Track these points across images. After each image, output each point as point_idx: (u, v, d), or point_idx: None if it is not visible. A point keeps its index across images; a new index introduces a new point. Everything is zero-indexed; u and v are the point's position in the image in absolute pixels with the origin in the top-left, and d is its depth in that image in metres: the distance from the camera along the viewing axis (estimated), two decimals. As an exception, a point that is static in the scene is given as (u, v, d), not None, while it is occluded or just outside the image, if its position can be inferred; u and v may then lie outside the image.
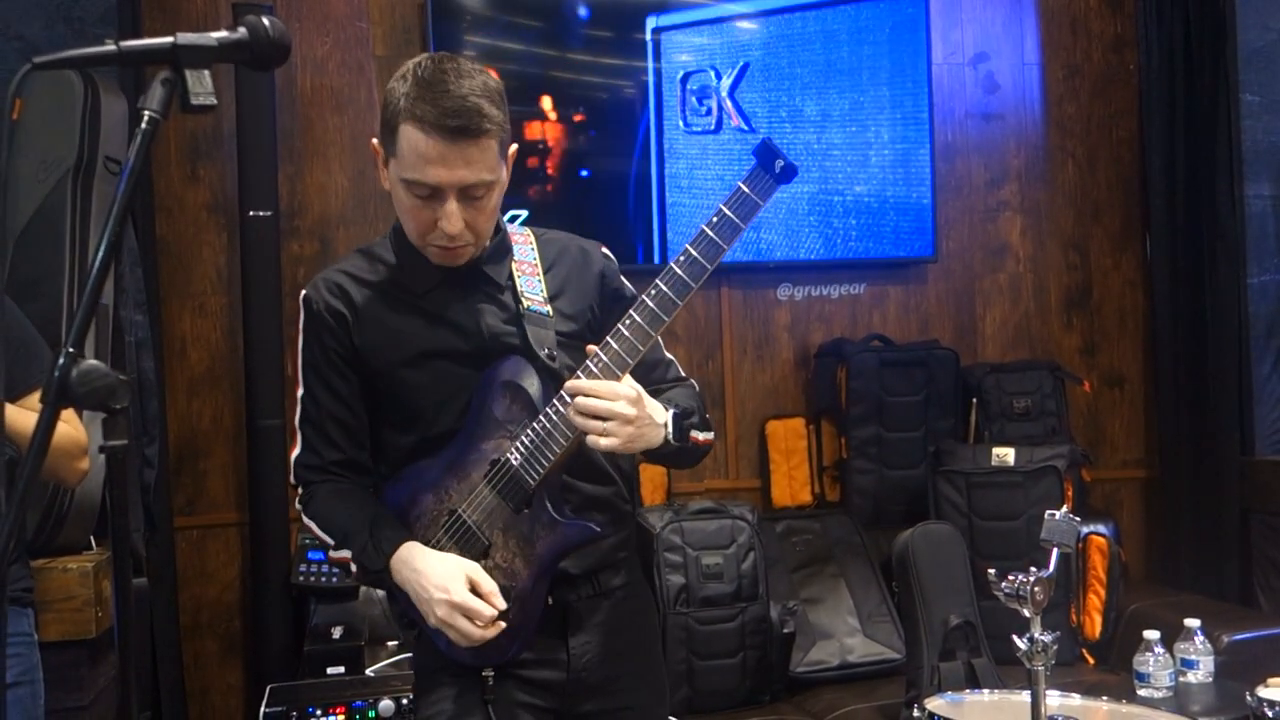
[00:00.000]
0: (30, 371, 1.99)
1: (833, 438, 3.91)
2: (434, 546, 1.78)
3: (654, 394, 1.80)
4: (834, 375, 3.85)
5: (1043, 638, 1.76)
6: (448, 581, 1.70)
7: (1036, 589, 1.75)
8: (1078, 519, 1.83)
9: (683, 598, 3.21)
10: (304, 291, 1.85)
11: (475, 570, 1.73)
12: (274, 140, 3.43)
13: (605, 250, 1.95)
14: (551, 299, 1.85)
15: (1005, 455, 3.59)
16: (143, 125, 1.21)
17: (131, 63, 1.27)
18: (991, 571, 1.84)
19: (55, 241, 2.71)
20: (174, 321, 3.58)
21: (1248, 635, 3.21)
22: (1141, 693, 2.75)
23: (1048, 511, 1.84)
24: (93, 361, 1.16)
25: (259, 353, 3.39)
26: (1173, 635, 2.81)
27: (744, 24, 3.86)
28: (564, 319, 1.85)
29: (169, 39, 1.24)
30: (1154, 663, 2.75)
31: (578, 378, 1.71)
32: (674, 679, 3.16)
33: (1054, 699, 2.01)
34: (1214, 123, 3.84)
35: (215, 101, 1.24)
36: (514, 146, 1.81)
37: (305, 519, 1.86)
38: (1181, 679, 2.78)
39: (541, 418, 1.73)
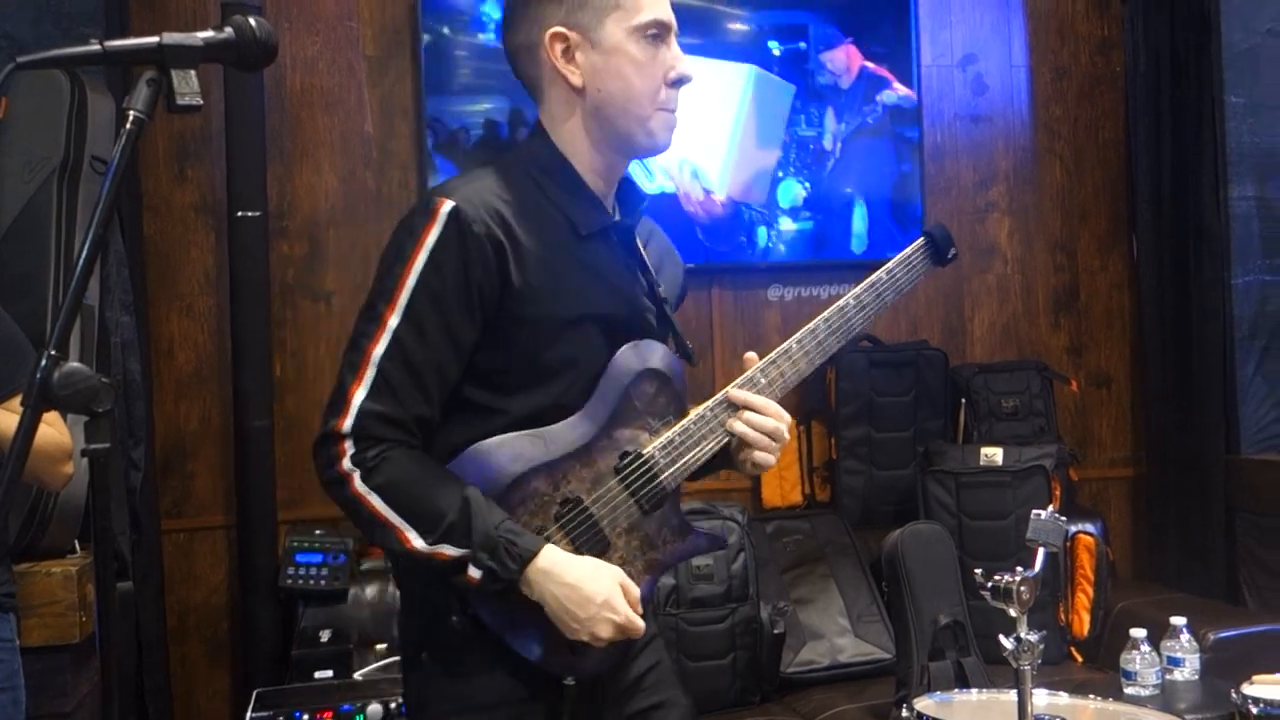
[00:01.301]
0: (15, 375, 1.98)
1: (823, 438, 3.92)
2: (541, 536, 1.53)
3: None
4: (823, 376, 3.86)
5: (1029, 637, 1.76)
6: (611, 598, 1.50)
7: (1022, 588, 1.75)
8: (1063, 518, 1.84)
9: (673, 599, 3.21)
10: (451, 203, 1.50)
11: (624, 578, 1.53)
12: (263, 140, 3.43)
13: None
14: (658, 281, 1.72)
15: (994, 455, 3.60)
16: (128, 125, 1.21)
17: (117, 62, 1.26)
18: (978, 571, 1.84)
19: (41, 241, 2.70)
20: (161, 322, 3.57)
21: (1233, 633, 3.23)
22: (1128, 691, 2.76)
23: (1034, 511, 1.85)
24: (75, 364, 1.15)
25: (247, 354, 3.38)
26: (1160, 633, 2.82)
27: (735, 25, 3.86)
28: (673, 298, 1.76)
29: (155, 39, 1.24)
30: (1140, 661, 2.76)
31: (742, 389, 1.65)
32: (663, 680, 3.15)
33: (1041, 698, 2.02)
34: (1199, 125, 3.86)
35: (201, 102, 1.24)
36: None
37: (359, 486, 1.48)
38: (1168, 677, 2.79)
39: (694, 418, 1.62)
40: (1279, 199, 3.74)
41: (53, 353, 1.14)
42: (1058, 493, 3.54)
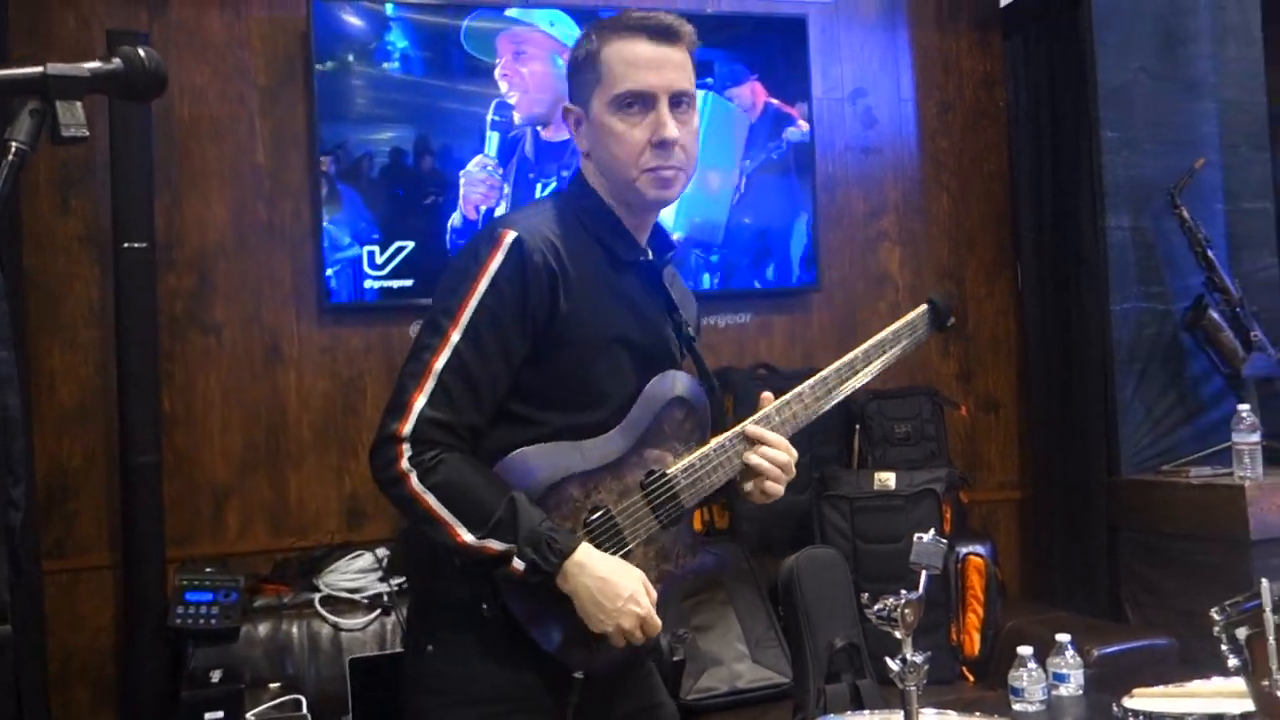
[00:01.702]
0: None
1: (720, 465, 3.94)
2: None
3: None
4: (720, 404, 3.89)
5: (914, 658, 1.80)
6: (636, 594, 1.65)
7: (907, 611, 1.80)
8: (944, 541, 1.89)
9: (572, 628, 3.20)
10: (513, 233, 1.66)
11: (646, 580, 1.68)
12: (150, 170, 3.35)
13: None
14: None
15: (887, 479, 3.68)
16: (9, 157, 1.18)
17: (-2, 93, 1.23)
18: (865, 596, 1.88)
19: (-85, 274, 2.60)
20: (43, 357, 3.45)
21: (1116, 649, 3.34)
22: (1016, 707, 2.82)
23: (916, 535, 1.90)
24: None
25: (134, 388, 3.30)
26: (1046, 650, 2.90)
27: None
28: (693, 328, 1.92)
29: (39, 68, 1.21)
30: (1027, 678, 2.83)
31: (759, 425, 1.79)
32: (564, 711, 3.14)
33: (930, 717, 2.06)
34: (1077, 158, 4.02)
35: (87, 133, 1.22)
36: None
37: (415, 485, 1.61)
38: (1054, 692, 2.86)
39: (714, 447, 1.78)
40: (1153, 229, 3.89)
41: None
42: (948, 515, 3.63)
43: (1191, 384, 3.91)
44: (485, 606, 1.65)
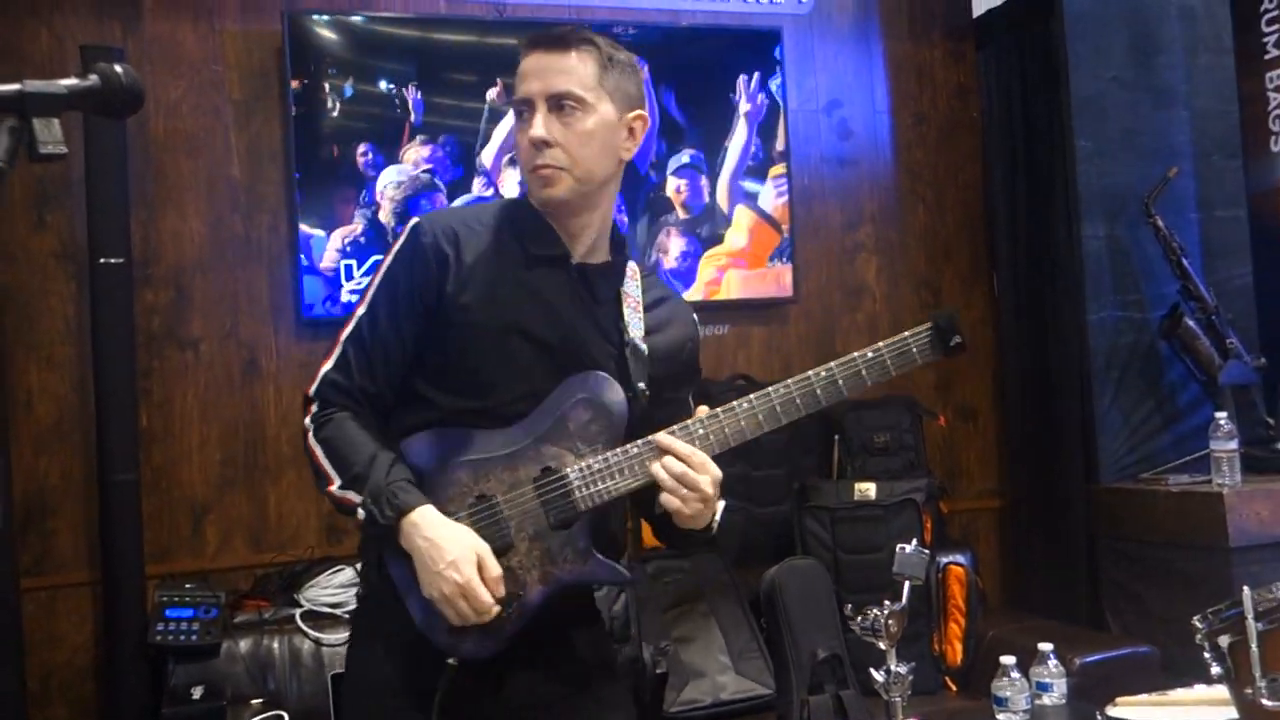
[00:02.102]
0: None
1: (700, 477, 3.94)
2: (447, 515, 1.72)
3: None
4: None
5: (898, 669, 1.81)
6: (460, 560, 1.65)
7: (890, 622, 1.80)
8: (926, 551, 1.90)
9: (555, 642, 3.20)
10: (417, 219, 1.79)
11: (486, 552, 1.68)
12: (125, 185, 3.33)
13: (694, 315, 2.00)
14: (648, 335, 1.86)
15: (867, 490, 3.69)
16: (-13, 175, 1.18)
17: (-26, 111, 1.22)
18: (848, 607, 1.89)
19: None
20: (19, 374, 3.42)
21: (1098, 657, 3.34)
22: (1000, 717, 2.82)
23: (898, 545, 1.91)
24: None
25: (111, 405, 3.27)
26: (1029, 659, 2.91)
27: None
28: (655, 363, 1.86)
29: (16, 86, 1.20)
30: (1010, 687, 2.83)
31: (674, 435, 1.73)
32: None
33: (917, 727, 2.07)
34: (1051, 167, 4.05)
35: (65, 150, 1.21)
36: (638, 111, 1.84)
37: (311, 439, 1.75)
38: (1037, 702, 2.86)
39: (620, 452, 1.74)
40: (1127, 237, 3.92)
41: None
42: (929, 525, 3.64)
43: (1169, 392, 3.93)
44: (373, 574, 1.78)
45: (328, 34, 3.62)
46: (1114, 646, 3.46)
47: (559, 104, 1.75)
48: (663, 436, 1.73)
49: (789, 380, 1.76)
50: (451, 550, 1.65)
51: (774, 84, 4.09)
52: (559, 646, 1.82)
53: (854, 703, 3.08)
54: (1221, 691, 1.74)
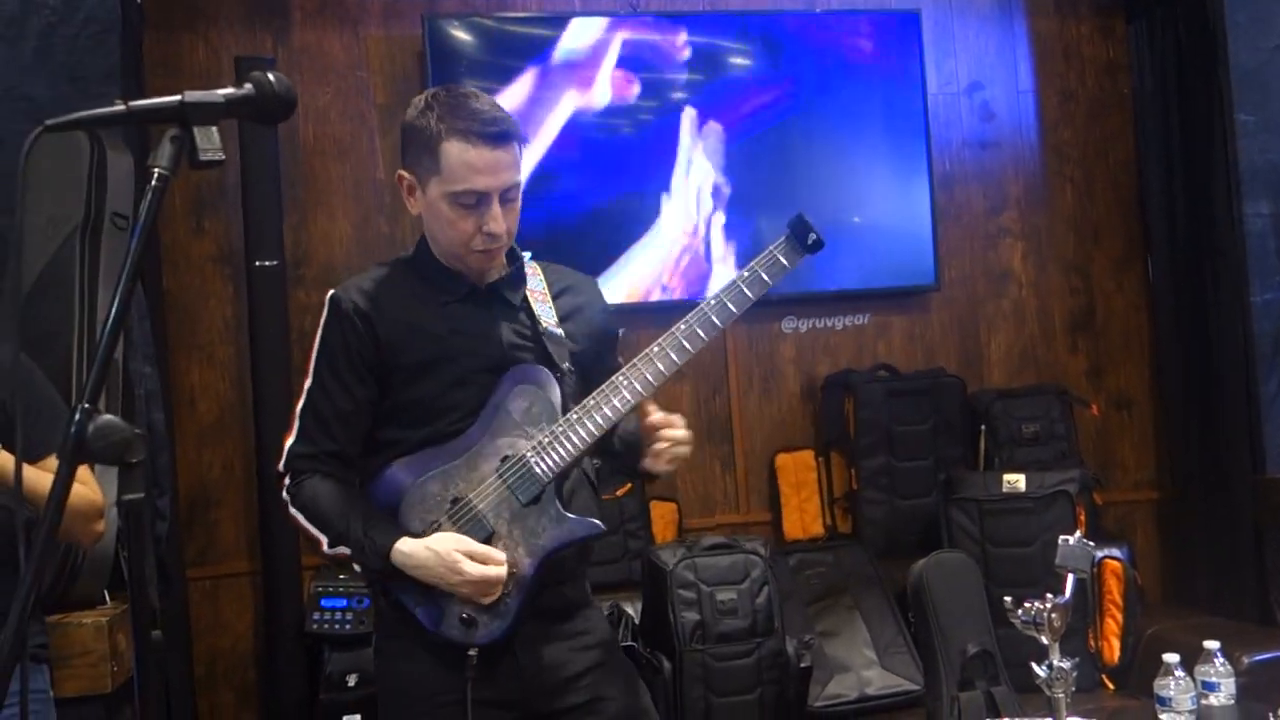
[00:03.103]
0: (50, 433, 1.99)
1: (842, 469, 3.91)
2: (434, 529, 1.88)
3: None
4: (841, 406, 3.86)
5: (1062, 664, 1.75)
6: (450, 548, 1.84)
7: (1054, 616, 1.75)
8: (1091, 543, 1.83)
9: (698, 634, 3.20)
10: (332, 292, 1.97)
11: (464, 541, 1.86)
12: (278, 190, 3.46)
13: (600, 287, 2.18)
14: (562, 321, 2.03)
15: (1016, 481, 3.58)
16: (153, 182, 1.23)
17: (141, 122, 1.29)
18: (1008, 600, 1.83)
19: (65, 298, 2.73)
20: (182, 373, 3.59)
21: (1269, 655, 3.18)
22: (1163, 717, 2.71)
23: (1061, 537, 1.84)
24: (108, 416, 1.17)
25: (268, 401, 3.41)
26: (1193, 658, 2.78)
27: (737, 60, 3.90)
28: (574, 341, 2.02)
29: (177, 97, 1.26)
30: (1175, 686, 2.72)
31: (623, 396, 1.89)
32: (692, 717, 3.14)
33: (1075, 726, 2.00)
34: (1209, 143, 3.86)
35: (223, 157, 1.27)
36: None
37: (291, 509, 1.92)
38: (1203, 702, 2.74)
39: (562, 421, 1.89)
40: (1293, 215, 3.73)
41: (86, 406, 1.15)
42: (1082, 517, 3.51)
43: (1341, 375, 3.72)
44: (382, 602, 1.96)
45: (464, 35, 3.69)
46: (1285, 645, 3.29)
47: (506, 196, 1.90)
48: (655, 416, 1.91)
49: (686, 316, 1.89)
50: (438, 562, 1.84)
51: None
52: (563, 624, 1.97)
53: (1006, 699, 3.00)
54: None
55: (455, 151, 1.86)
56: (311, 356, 1.96)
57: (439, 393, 1.92)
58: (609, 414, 1.87)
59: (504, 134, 1.88)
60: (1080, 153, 4.28)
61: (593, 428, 1.87)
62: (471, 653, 1.85)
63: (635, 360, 1.89)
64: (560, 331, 2.01)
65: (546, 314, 2.02)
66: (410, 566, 1.85)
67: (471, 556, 1.84)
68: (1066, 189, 4.27)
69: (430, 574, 1.84)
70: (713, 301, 1.89)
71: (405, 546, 1.86)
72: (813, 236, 1.88)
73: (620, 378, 1.89)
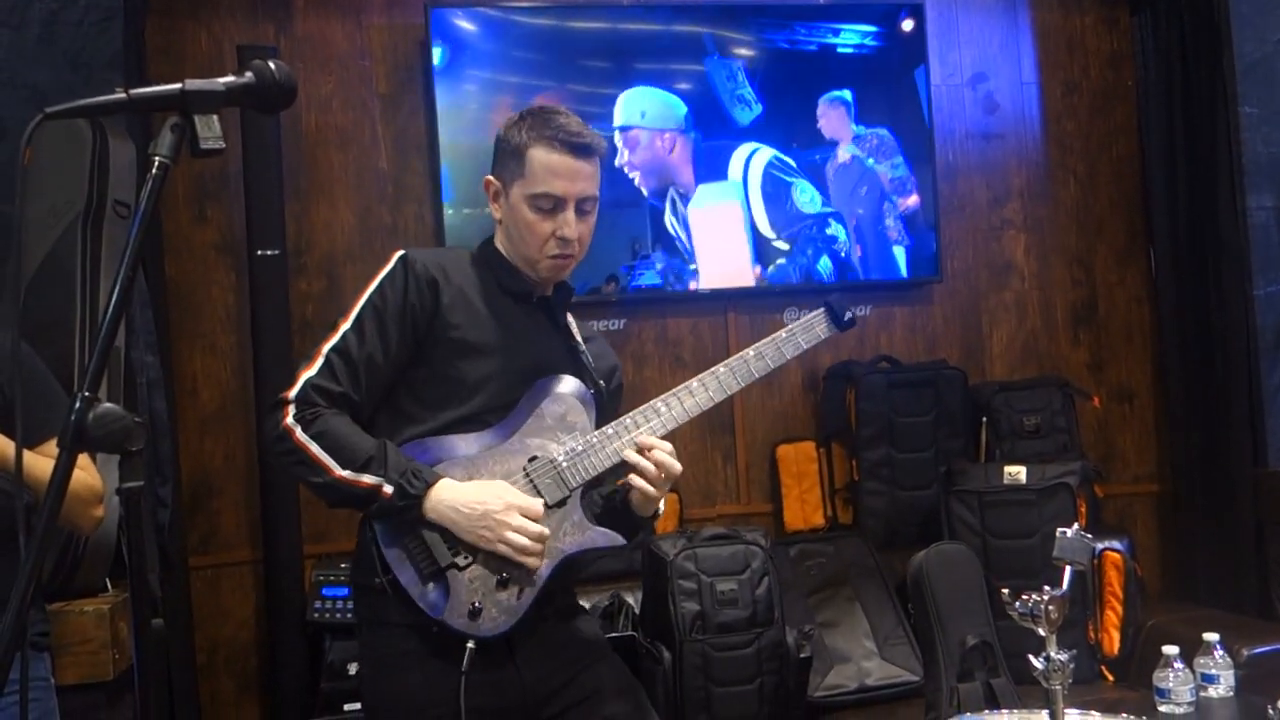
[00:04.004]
0: (49, 419, 1.99)
1: (843, 460, 3.91)
2: None
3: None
4: (843, 397, 3.86)
5: (1059, 656, 1.75)
6: (497, 490, 1.86)
7: (1051, 608, 1.75)
8: (1089, 536, 1.83)
9: (698, 625, 3.21)
10: (402, 251, 1.98)
11: (513, 492, 1.88)
12: (280, 179, 3.46)
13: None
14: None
15: (1017, 473, 3.58)
16: (154, 170, 1.23)
17: (141, 110, 1.28)
18: (1005, 591, 1.84)
19: (66, 286, 2.73)
20: (184, 361, 3.60)
21: (1268, 648, 3.19)
22: (1162, 709, 2.72)
23: (1059, 529, 1.84)
24: (109, 404, 1.17)
25: (270, 390, 3.39)
26: (1192, 650, 2.79)
27: (741, 50, 3.89)
28: (599, 375, 2.11)
29: (178, 85, 1.26)
30: (1174, 678, 2.72)
31: (661, 419, 1.98)
32: (692, 707, 3.14)
33: (1073, 717, 2.00)
34: (1213, 136, 3.85)
35: (224, 145, 1.27)
36: None
37: (299, 434, 1.85)
38: (1202, 694, 2.74)
39: (598, 433, 1.96)
40: (1297, 208, 3.72)
41: (87, 394, 1.15)
42: (1083, 510, 3.52)
43: (1344, 369, 3.72)
44: (377, 580, 1.86)
45: (467, 25, 3.68)
46: (1285, 638, 3.29)
47: (582, 206, 1.99)
48: (646, 438, 1.95)
49: (729, 360, 2.03)
50: (482, 490, 1.86)
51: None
52: (558, 626, 1.99)
53: (1005, 690, 3.01)
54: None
55: (539, 157, 1.96)
56: (358, 302, 1.94)
57: (474, 379, 1.94)
58: (645, 433, 1.95)
59: (586, 147, 1.97)
60: (1083, 145, 4.27)
61: (628, 443, 1.95)
62: (470, 645, 1.83)
63: (676, 390, 1.99)
64: (592, 361, 2.10)
65: (581, 344, 2.13)
66: (451, 503, 1.83)
67: (522, 511, 1.86)
68: (1069, 181, 4.26)
69: (472, 514, 1.83)
70: (752, 354, 2.04)
71: (452, 483, 1.86)
72: (848, 315, 2.07)
73: (659, 403, 1.98)
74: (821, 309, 2.07)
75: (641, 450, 1.94)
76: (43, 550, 1.15)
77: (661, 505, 2.02)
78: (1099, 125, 4.28)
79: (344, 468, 1.83)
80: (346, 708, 3.08)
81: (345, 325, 1.92)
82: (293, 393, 1.88)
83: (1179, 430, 4.09)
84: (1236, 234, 3.76)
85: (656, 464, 1.92)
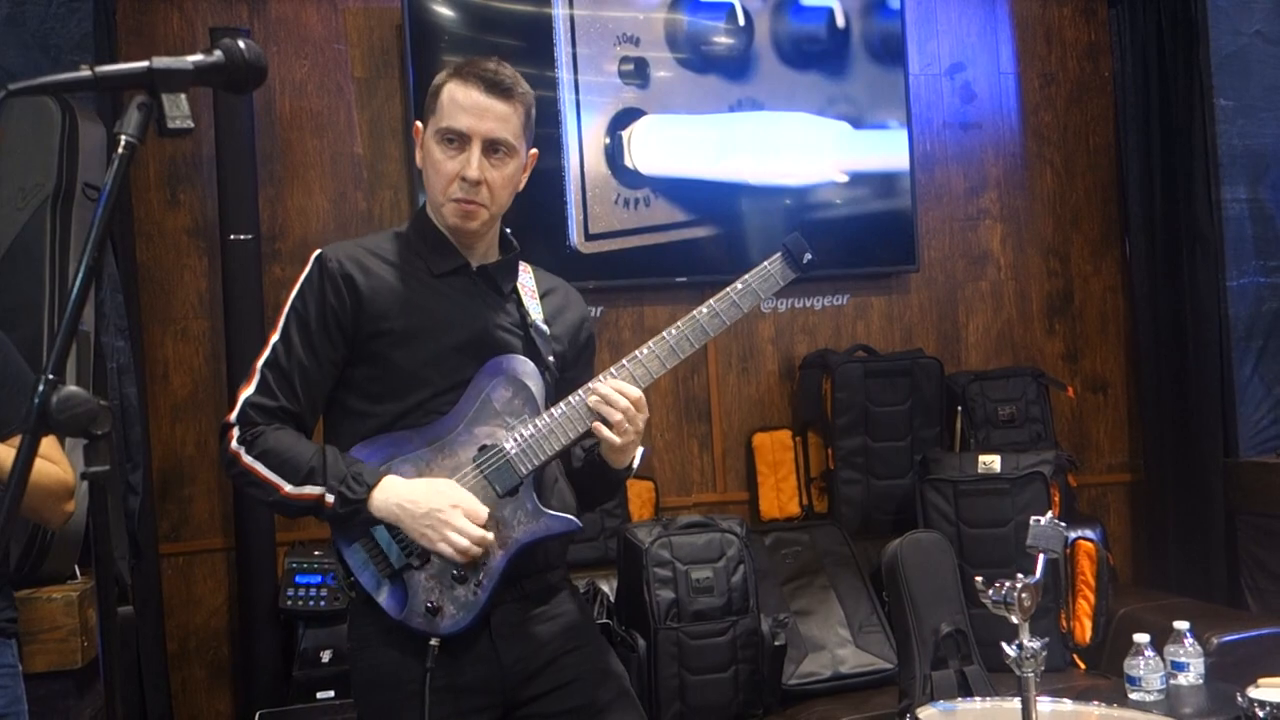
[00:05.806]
0: (20, 410, 1.97)
1: (819, 449, 3.91)
2: None
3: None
4: (819, 386, 3.86)
5: (1031, 644, 1.76)
6: (441, 489, 1.83)
7: (1024, 595, 1.75)
8: (1063, 524, 1.83)
9: (673, 612, 3.21)
10: (319, 251, 1.94)
11: (455, 489, 1.84)
12: (254, 163, 3.42)
13: (582, 298, 2.17)
14: (546, 320, 2.03)
15: (991, 462, 3.60)
16: (119, 150, 1.21)
17: (108, 88, 1.26)
18: (979, 579, 1.84)
19: (35, 269, 2.70)
20: (156, 347, 3.56)
21: (1237, 636, 3.22)
22: (1133, 696, 2.75)
23: (1033, 517, 1.84)
24: (73, 388, 1.15)
25: (243, 376, 3.36)
26: (1163, 638, 2.81)
27: (719, 39, 3.88)
28: (556, 341, 2.02)
29: (145, 63, 1.23)
30: (1145, 666, 2.75)
31: (600, 382, 1.89)
32: (666, 694, 3.14)
33: (1045, 705, 2.01)
34: (1189, 128, 3.87)
35: (192, 125, 1.24)
36: (534, 150, 2.01)
37: (245, 458, 1.84)
38: (1172, 681, 2.78)
39: (545, 416, 1.89)
40: (1272, 200, 3.74)
41: (50, 377, 1.13)
42: (1057, 499, 3.53)
43: (1315, 361, 3.76)
44: (346, 586, 1.89)
45: (445, 10, 3.65)
46: (1254, 626, 3.32)
47: (493, 148, 1.91)
48: (595, 383, 1.88)
49: (678, 322, 1.92)
50: (426, 488, 1.83)
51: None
52: (540, 608, 1.95)
53: (978, 678, 3.02)
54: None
55: (450, 92, 1.91)
56: (283, 310, 1.92)
57: (413, 367, 1.89)
58: (593, 412, 1.87)
59: (499, 84, 1.90)
60: (1060, 135, 4.28)
61: (577, 424, 1.88)
62: (433, 642, 1.82)
63: (623, 361, 1.90)
64: (547, 329, 2.01)
65: (534, 309, 2.02)
66: (396, 501, 1.81)
67: (466, 512, 1.82)
68: (1046, 172, 4.27)
69: (414, 511, 1.80)
70: (705, 310, 1.93)
71: (393, 482, 1.83)
72: (807, 256, 1.94)
73: (613, 369, 1.90)
74: (778, 253, 1.95)
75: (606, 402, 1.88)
76: (5, 536, 1.13)
77: (637, 459, 1.97)
78: (1076, 116, 4.29)
79: (289, 483, 1.83)
80: (319, 695, 3.06)
81: (274, 337, 1.91)
82: (234, 415, 1.89)
83: (1152, 421, 4.12)
84: (1211, 225, 3.79)
85: (618, 408, 1.86)
